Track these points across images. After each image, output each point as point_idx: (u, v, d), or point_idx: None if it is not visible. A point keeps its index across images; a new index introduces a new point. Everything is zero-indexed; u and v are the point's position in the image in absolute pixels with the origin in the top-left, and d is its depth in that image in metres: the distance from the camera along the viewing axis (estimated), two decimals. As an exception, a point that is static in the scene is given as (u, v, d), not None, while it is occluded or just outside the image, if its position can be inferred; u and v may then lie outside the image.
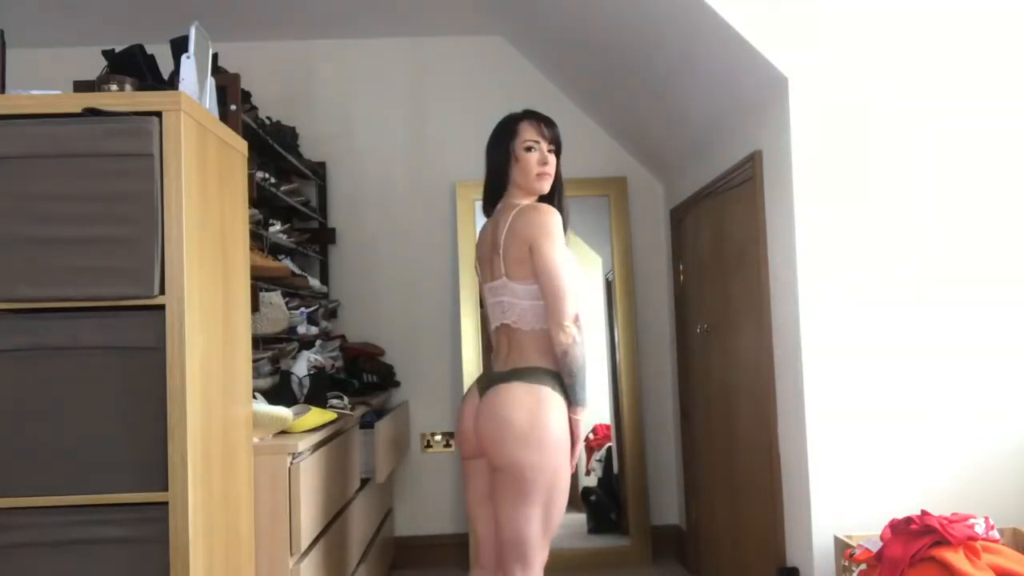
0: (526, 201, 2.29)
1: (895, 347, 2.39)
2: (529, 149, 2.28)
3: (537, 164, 2.27)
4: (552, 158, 2.30)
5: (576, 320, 2.16)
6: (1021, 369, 2.42)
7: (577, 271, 2.27)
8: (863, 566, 2.15)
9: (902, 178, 2.42)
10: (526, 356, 2.21)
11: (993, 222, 2.43)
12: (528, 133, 2.29)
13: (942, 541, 2.02)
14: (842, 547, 2.27)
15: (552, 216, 2.20)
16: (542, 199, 2.33)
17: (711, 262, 3.25)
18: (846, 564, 2.22)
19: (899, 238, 2.41)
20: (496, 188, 2.35)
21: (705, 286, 3.35)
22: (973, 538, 2.04)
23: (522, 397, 2.13)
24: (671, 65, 2.92)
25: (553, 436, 2.12)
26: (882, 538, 2.14)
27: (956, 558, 1.98)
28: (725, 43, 2.46)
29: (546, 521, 2.16)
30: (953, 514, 2.12)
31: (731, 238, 2.99)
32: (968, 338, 2.41)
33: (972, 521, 2.08)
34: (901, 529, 2.10)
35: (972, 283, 2.42)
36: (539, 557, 2.19)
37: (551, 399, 2.14)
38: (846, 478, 2.37)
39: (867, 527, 2.32)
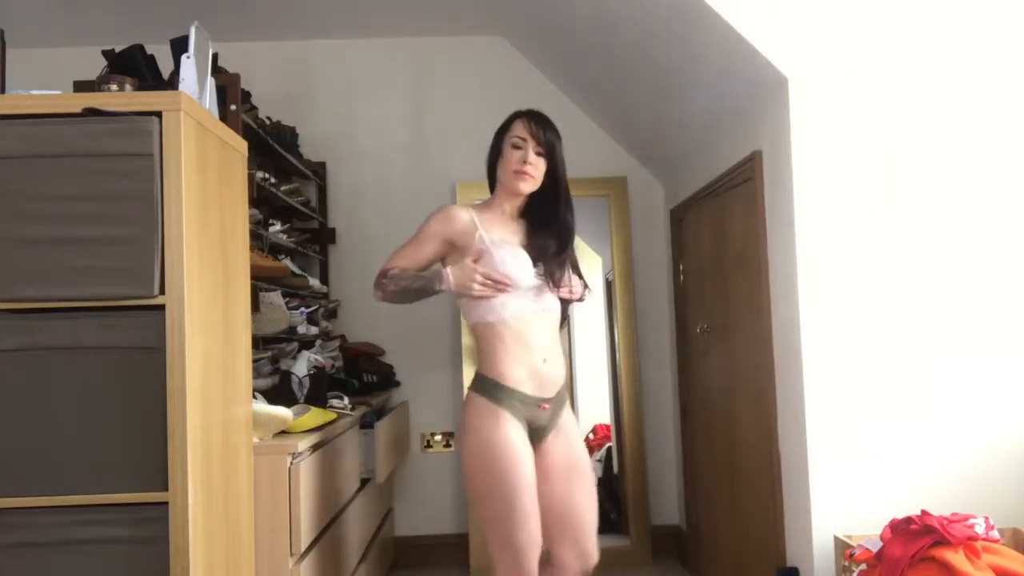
0: (506, 203, 2.27)
1: (895, 347, 2.39)
2: (516, 146, 2.21)
3: (516, 161, 2.20)
4: (539, 161, 2.21)
5: (381, 275, 2.23)
6: (1021, 369, 2.42)
7: (424, 235, 2.23)
8: (863, 566, 2.15)
9: (902, 177, 2.41)
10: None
11: (993, 221, 2.43)
12: (518, 129, 2.22)
13: (942, 541, 2.02)
14: (842, 547, 2.27)
15: (433, 216, 2.24)
16: (532, 211, 2.28)
17: (711, 262, 3.24)
18: (846, 564, 2.22)
19: (899, 238, 2.41)
20: (491, 187, 2.34)
21: (705, 286, 3.35)
22: (973, 538, 2.04)
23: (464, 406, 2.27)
24: (671, 65, 2.92)
25: (467, 435, 2.17)
26: (882, 538, 2.13)
27: (956, 558, 1.98)
28: (725, 43, 2.46)
29: (492, 518, 2.11)
30: (953, 514, 2.11)
31: (731, 238, 2.99)
32: (968, 338, 2.40)
33: (972, 521, 2.08)
34: (901, 529, 2.10)
35: (972, 283, 2.41)
36: (502, 559, 2.11)
37: (469, 402, 2.22)
38: (846, 478, 2.37)
39: (867, 527, 2.32)
